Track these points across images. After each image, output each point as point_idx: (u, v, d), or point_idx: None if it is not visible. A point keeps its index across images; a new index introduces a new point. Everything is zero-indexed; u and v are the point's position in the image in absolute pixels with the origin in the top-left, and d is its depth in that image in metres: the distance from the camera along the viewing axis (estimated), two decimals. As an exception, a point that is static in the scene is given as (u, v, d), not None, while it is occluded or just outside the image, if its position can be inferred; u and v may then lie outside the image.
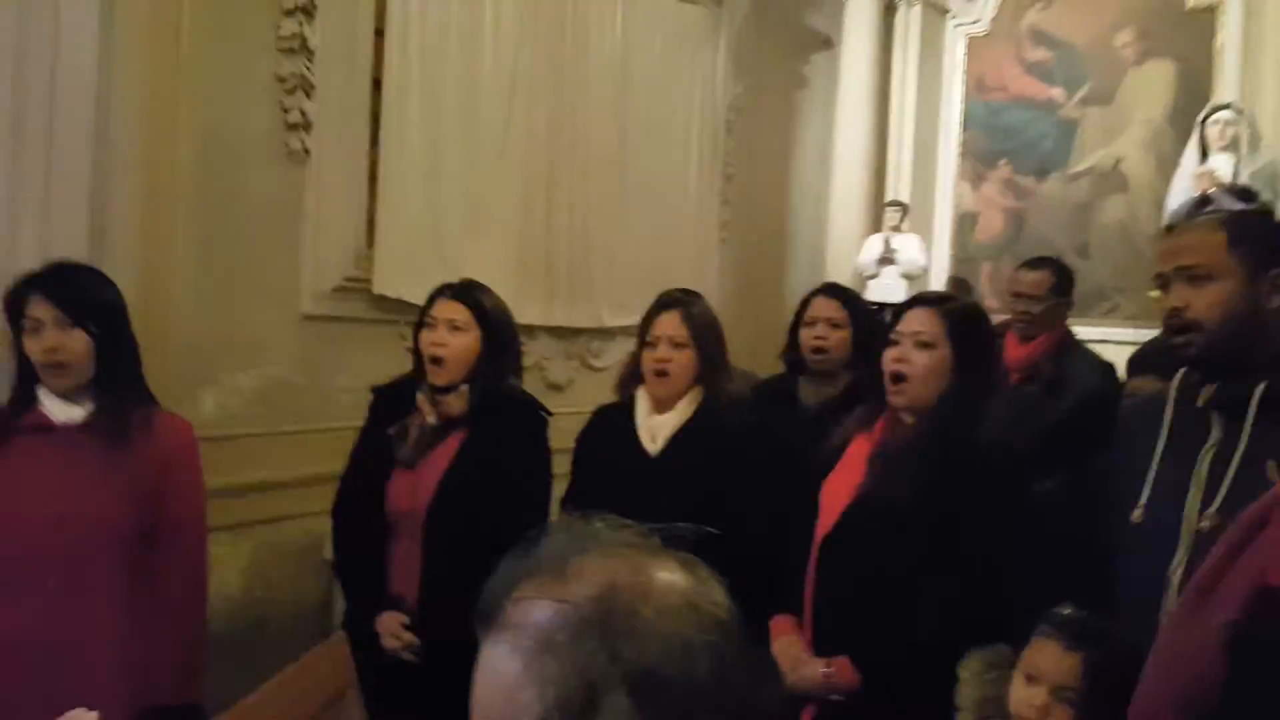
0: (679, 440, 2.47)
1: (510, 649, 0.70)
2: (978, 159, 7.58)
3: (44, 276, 1.97)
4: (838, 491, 2.12)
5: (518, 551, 0.75)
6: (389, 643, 2.28)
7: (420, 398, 2.42)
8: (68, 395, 1.96)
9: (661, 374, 2.49)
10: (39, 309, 1.93)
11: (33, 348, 1.93)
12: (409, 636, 2.28)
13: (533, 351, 4.38)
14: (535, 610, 0.70)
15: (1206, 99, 6.51)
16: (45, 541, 1.90)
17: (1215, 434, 1.68)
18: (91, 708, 1.29)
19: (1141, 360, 2.61)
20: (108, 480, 1.93)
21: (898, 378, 2.07)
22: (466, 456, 2.36)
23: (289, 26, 3.11)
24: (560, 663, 0.67)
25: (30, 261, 2.08)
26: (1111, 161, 7.04)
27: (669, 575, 0.72)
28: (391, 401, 2.48)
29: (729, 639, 0.70)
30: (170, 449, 2.04)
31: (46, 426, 1.96)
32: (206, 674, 2.21)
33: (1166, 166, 6.63)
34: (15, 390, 2.00)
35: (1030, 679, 1.65)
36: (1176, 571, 1.65)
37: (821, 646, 2.05)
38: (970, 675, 1.75)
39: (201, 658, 2.08)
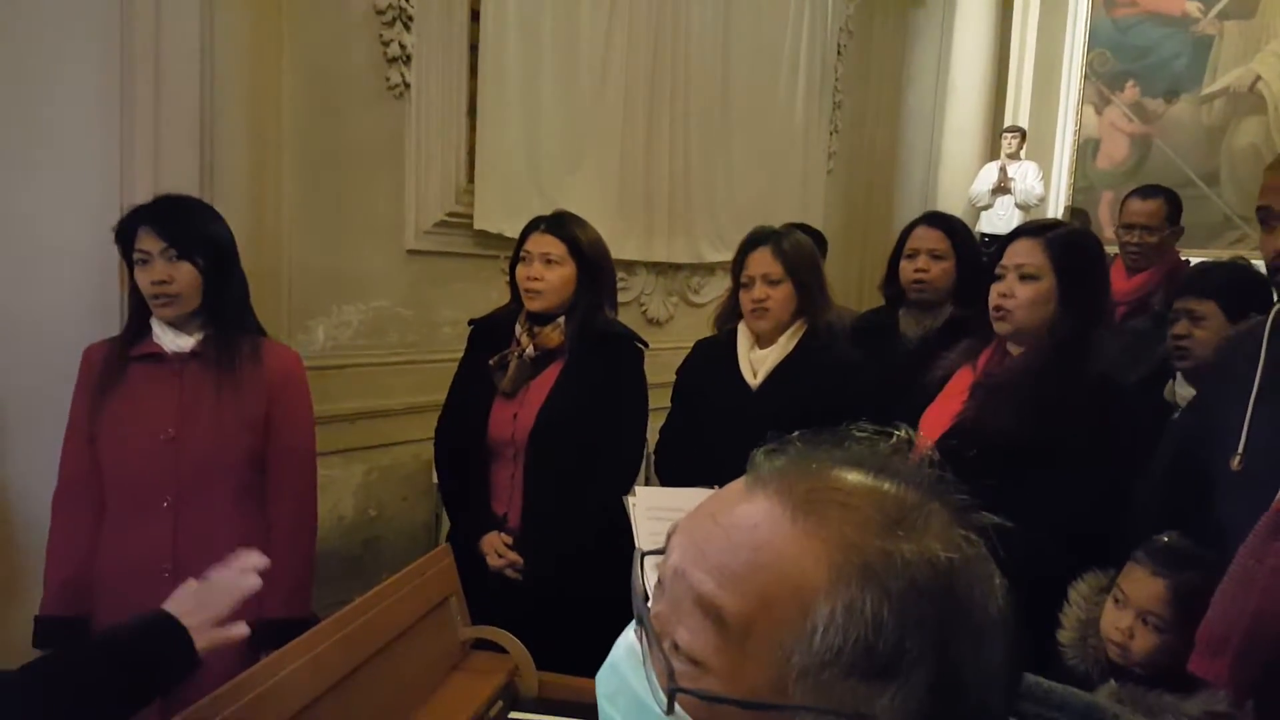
0: (780, 374, 2.48)
1: (806, 539, 0.62)
2: (1103, 81, 7.22)
3: (152, 209, 2.02)
4: (935, 421, 2.10)
5: (839, 430, 0.70)
6: (493, 561, 2.37)
7: (518, 330, 2.47)
8: (177, 325, 2.02)
9: (760, 313, 2.49)
10: (147, 241, 1.98)
11: (142, 279, 1.99)
12: (512, 555, 2.37)
13: (632, 287, 4.42)
14: (862, 530, 0.62)
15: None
16: (158, 464, 1.97)
17: None
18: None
19: (1195, 282, 2.45)
20: (217, 406, 1.99)
21: (1000, 309, 2.04)
22: (564, 387, 2.41)
23: (387, -42, 3.12)
24: (883, 607, 0.60)
25: (144, 200, 2.13)
26: (1249, 81, 6.61)
27: (999, 580, 0.65)
28: (489, 333, 2.53)
29: (1014, 672, 0.67)
30: (278, 377, 2.08)
31: (157, 355, 2.02)
32: (323, 587, 2.33)
33: (1310, 85, 6.22)
34: (129, 321, 2.08)
35: (1118, 602, 1.68)
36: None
37: None
38: (1078, 597, 1.78)
39: (310, 574, 2.16)
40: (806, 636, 0.60)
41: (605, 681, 0.71)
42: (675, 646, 0.65)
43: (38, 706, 1.19)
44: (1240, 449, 1.66)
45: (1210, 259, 3.87)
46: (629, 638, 0.71)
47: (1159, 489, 1.94)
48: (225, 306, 2.05)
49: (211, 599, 1.36)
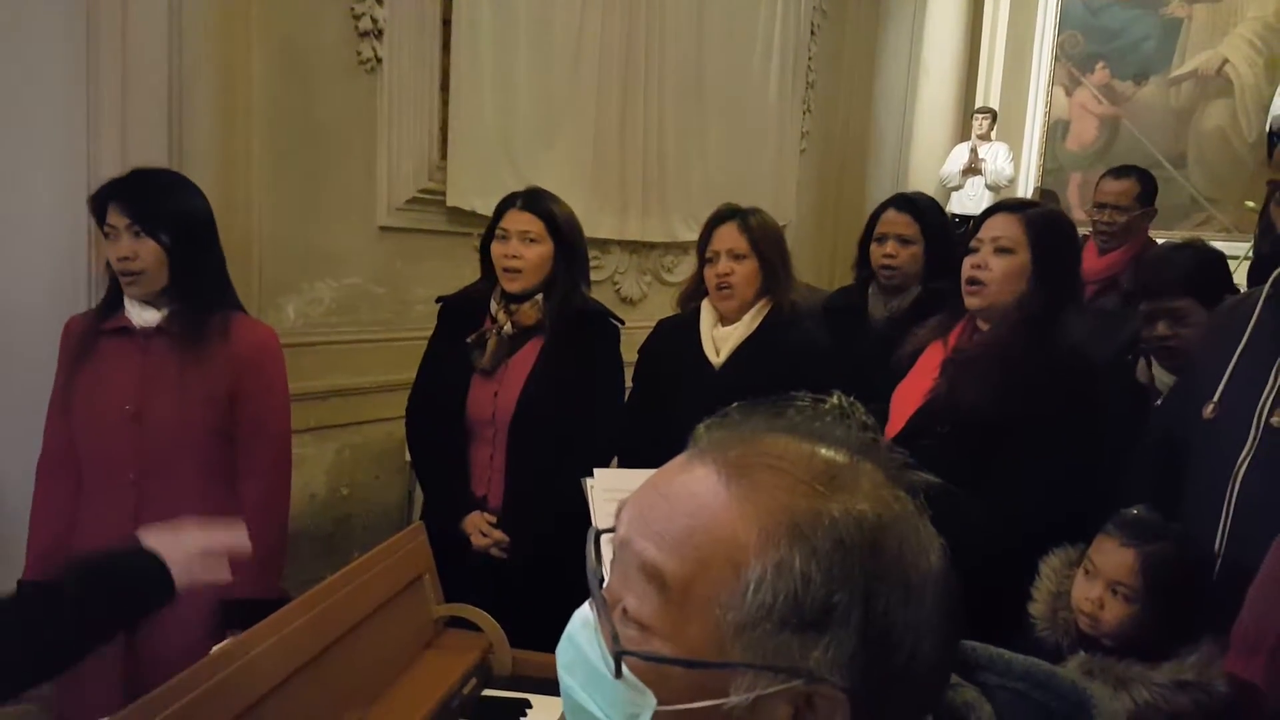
0: (742, 352, 2.47)
1: (739, 502, 0.65)
2: (1073, 62, 7.27)
3: (122, 184, 1.99)
4: (907, 397, 2.11)
5: (777, 401, 0.71)
6: (478, 540, 2.37)
7: (494, 307, 2.45)
8: (147, 300, 2.00)
9: (724, 288, 2.48)
10: (114, 216, 1.96)
11: (110, 254, 1.98)
12: (498, 534, 2.37)
13: (606, 265, 4.41)
14: (791, 492, 0.65)
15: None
16: (121, 439, 1.96)
17: None
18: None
19: (1161, 280, 2.38)
20: (179, 381, 1.97)
21: (973, 282, 2.05)
22: (545, 366, 2.40)
23: (358, -70, 3.07)
24: (811, 564, 0.62)
25: (111, 176, 2.09)
26: (1216, 64, 6.68)
27: (932, 536, 0.67)
28: (459, 312, 2.51)
29: (951, 624, 0.67)
30: (248, 352, 2.05)
31: (126, 329, 2.00)
32: (295, 565, 2.32)
33: (1276, 69, 6.27)
34: (106, 294, 2.06)
35: (1088, 573, 1.70)
36: (1243, 465, 1.64)
37: None
38: (1049, 571, 1.80)
39: (281, 553, 2.13)
40: (740, 594, 0.63)
41: (563, 652, 0.74)
42: (625, 613, 0.68)
43: (13, 625, 1.20)
44: (1216, 397, 1.69)
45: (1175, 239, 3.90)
46: (584, 610, 0.73)
47: (1144, 473, 1.96)
48: (196, 283, 2.01)
49: (190, 540, 1.37)
